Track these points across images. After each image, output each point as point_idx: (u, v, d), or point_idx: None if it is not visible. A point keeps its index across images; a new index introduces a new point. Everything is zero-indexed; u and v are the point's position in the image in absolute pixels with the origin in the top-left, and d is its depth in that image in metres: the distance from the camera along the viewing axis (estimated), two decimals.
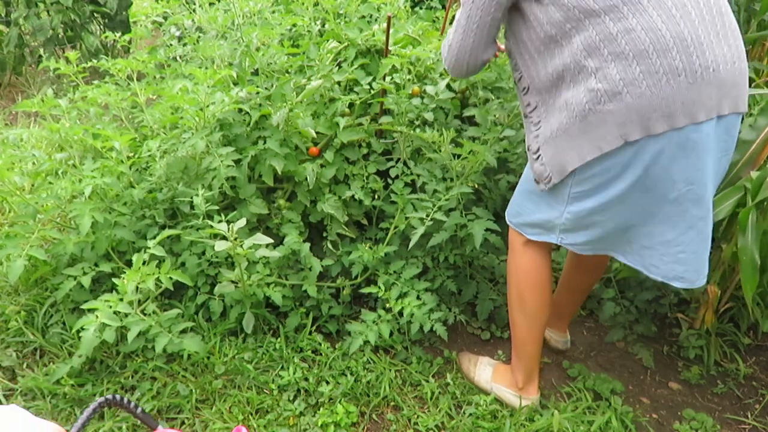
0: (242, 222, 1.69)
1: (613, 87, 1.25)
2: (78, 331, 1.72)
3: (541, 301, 1.67)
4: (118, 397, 0.76)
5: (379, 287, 1.92)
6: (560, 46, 1.32)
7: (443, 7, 3.50)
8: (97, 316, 1.64)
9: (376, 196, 2.07)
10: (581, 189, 1.40)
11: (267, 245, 1.71)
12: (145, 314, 1.73)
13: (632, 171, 1.31)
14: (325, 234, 2.08)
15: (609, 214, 1.40)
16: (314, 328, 2.03)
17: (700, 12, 1.24)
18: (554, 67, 1.34)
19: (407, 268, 1.98)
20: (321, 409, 1.73)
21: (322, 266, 1.95)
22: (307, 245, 1.94)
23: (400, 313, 1.87)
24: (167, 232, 1.79)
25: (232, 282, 1.89)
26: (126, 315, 1.68)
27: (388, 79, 2.03)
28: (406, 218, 1.94)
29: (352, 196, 2.01)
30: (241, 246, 1.68)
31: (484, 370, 1.87)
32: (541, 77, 1.39)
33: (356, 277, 2.01)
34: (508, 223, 1.68)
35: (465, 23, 1.41)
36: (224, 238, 1.66)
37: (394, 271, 1.99)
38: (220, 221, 1.68)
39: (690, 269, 1.43)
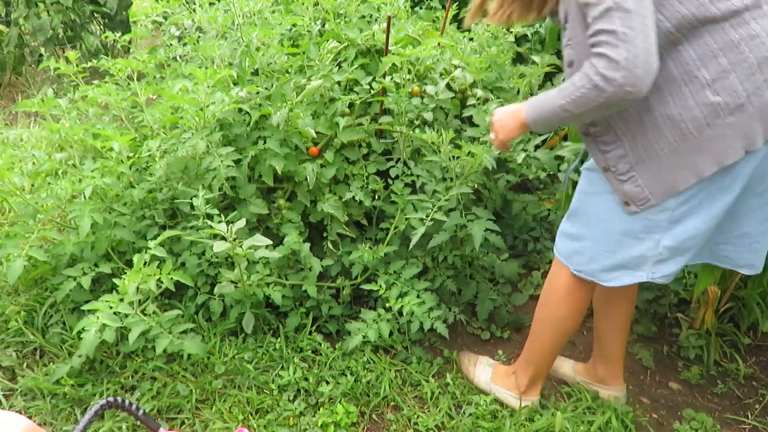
0: (242, 223, 1.69)
1: (735, 99, 1.19)
2: (79, 332, 1.72)
3: (578, 320, 1.61)
4: (119, 399, 0.76)
5: (380, 286, 1.92)
6: (659, 57, 1.19)
7: (443, 7, 3.50)
8: (98, 317, 1.64)
9: (377, 197, 2.07)
10: (686, 208, 1.31)
11: (266, 246, 1.71)
12: (145, 315, 1.73)
13: (741, 179, 1.26)
14: (325, 234, 2.08)
15: (708, 231, 1.34)
16: (314, 328, 2.03)
17: None
18: None
19: (407, 267, 1.98)
20: (321, 409, 1.73)
21: (322, 266, 1.95)
22: (307, 245, 1.94)
23: (400, 312, 1.87)
24: (168, 233, 1.79)
25: (232, 282, 1.89)
26: (126, 315, 1.68)
27: (388, 78, 2.03)
28: (407, 219, 1.94)
29: (353, 196, 2.01)
30: (241, 246, 1.68)
31: (483, 370, 1.87)
32: None
33: (356, 277, 2.01)
34: (575, 272, 1.51)
35: (639, 20, 1.11)
36: (224, 238, 1.66)
37: (394, 271, 1.99)
38: (220, 222, 1.68)
39: (759, 257, 1.42)
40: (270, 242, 1.71)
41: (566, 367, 1.93)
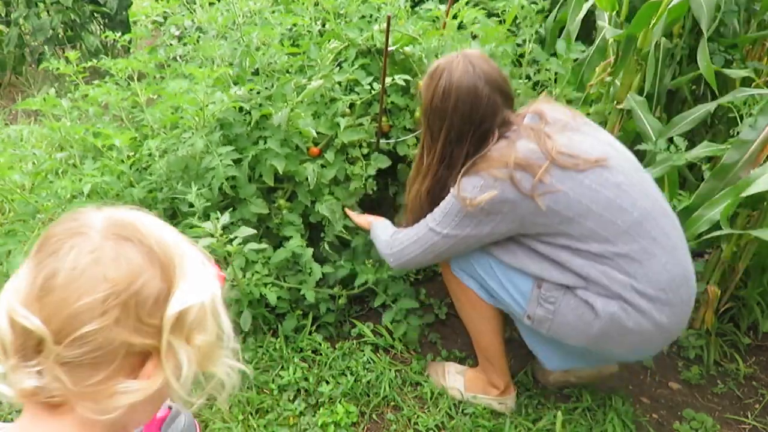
0: (226, 218, 1.67)
1: None
2: None
3: None
4: None
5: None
6: None
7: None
8: None
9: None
10: None
11: (256, 239, 1.70)
12: None
13: None
14: (322, 235, 2.08)
15: None
16: (314, 328, 2.02)
17: None
18: None
19: (404, 298, 2.02)
20: (321, 409, 1.73)
21: (322, 273, 1.94)
22: (310, 250, 1.94)
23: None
24: None
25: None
26: None
27: (389, 79, 2.03)
28: None
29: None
30: (231, 243, 1.67)
31: (455, 380, 1.84)
32: None
33: (353, 288, 2.02)
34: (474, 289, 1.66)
35: (430, 248, 1.59)
36: (211, 235, 1.65)
37: (392, 293, 2.03)
38: (216, 218, 1.67)
39: None
40: (254, 231, 1.71)
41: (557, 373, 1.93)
